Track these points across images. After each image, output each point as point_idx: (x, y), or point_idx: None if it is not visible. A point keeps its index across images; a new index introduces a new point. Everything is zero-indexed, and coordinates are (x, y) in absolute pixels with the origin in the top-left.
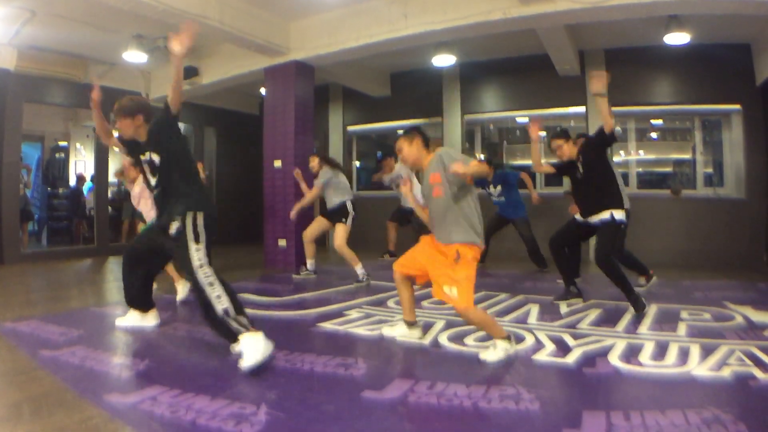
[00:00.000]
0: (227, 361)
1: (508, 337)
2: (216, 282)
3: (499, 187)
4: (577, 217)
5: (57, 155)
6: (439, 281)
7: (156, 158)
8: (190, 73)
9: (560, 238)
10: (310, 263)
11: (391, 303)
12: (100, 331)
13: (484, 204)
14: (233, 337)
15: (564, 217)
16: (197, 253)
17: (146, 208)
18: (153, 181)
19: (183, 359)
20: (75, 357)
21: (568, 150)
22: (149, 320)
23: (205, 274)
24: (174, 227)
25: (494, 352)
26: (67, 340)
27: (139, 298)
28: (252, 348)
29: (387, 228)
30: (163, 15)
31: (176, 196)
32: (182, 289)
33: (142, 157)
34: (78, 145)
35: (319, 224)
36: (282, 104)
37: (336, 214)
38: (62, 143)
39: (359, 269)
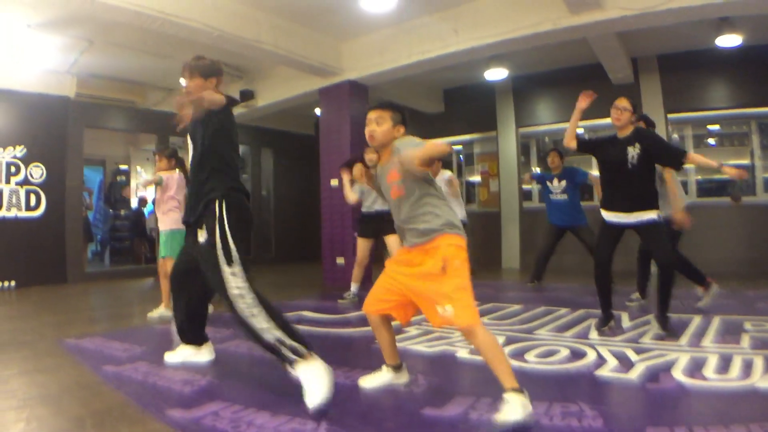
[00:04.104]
0: (288, 377)
1: (521, 390)
2: (247, 295)
3: (563, 182)
4: (611, 218)
5: (118, 178)
6: (430, 303)
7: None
8: (247, 96)
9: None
10: (354, 286)
11: None
12: (163, 347)
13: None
14: (289, 363)
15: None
16: (231, 254)
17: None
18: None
19: (244, 375)
20: (138, 372)
21: (628, 117)
22: (202, 355)
23: (238, 287)
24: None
25: (511, 408)
26: (129, 356)
27: (187, 330)
28: (313, 381)
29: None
30: (217, 41)
31: (202, 192)
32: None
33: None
34: (138, 168)
35: (368, 245)
36: (337, 124)
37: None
38: (123, 167)
39: None
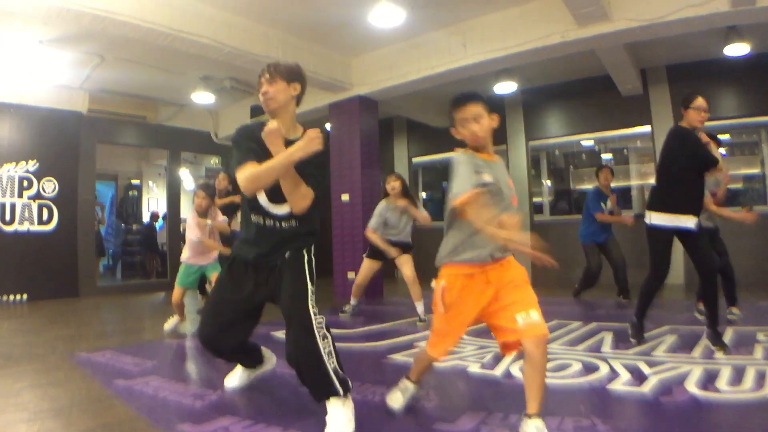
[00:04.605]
0: (298, 392)
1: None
2: (329, 335)
3: (614, 197)
4: (692, 225)
5: (130, 193)
6: (511, 314)
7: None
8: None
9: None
10: (354, 300)
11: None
12: (174, 362)
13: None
14: (326, 395)
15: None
16: (313, 297)
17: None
18: (275, 210)
19: (254, 390)
20: (148, 387)
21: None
22: (267, 366)
23: (319, 324)
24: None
25: None
26: (140, 371)
27: (244, 360)
28: (340, 422)
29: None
30: (228, 57)
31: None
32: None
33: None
34: (150, 183)
35: (375, 267)
36: (348, 139)
37: (403, 247)
38: (135, 181)
39: (420, 307)
